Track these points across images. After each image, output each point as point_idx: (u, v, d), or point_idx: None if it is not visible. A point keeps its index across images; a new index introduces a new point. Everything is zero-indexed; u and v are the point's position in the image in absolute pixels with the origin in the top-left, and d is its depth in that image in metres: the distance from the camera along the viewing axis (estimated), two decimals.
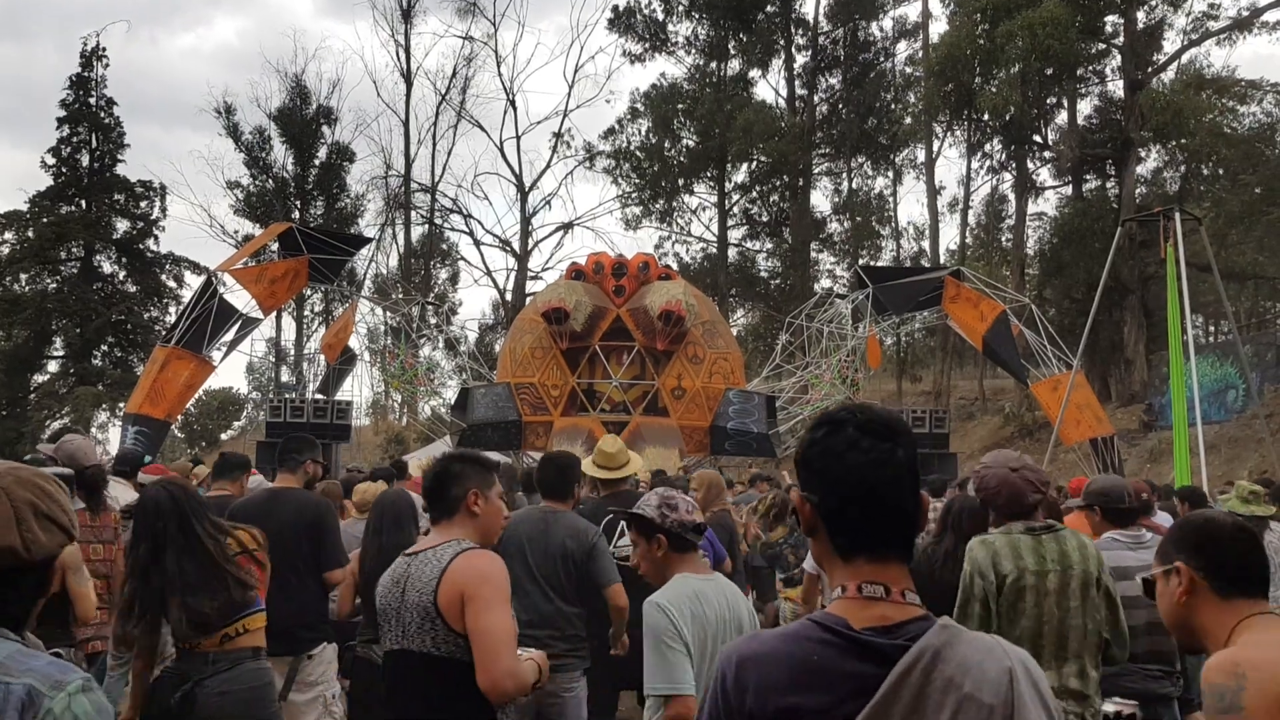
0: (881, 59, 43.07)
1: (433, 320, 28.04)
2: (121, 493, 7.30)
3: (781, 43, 42.91)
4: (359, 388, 67.85)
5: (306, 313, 43.79)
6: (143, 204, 40.48)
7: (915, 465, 1.61)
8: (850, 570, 1.58)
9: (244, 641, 3.84)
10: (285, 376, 42.80)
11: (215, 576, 3.72)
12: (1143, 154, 31.95)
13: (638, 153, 43.36)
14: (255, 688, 3.83)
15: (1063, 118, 34.20)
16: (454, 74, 44.24)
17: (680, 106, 42.60)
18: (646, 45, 43.69)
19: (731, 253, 43.81)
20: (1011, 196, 38.70)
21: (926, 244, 43.98)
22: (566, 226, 45.02)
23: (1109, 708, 3.47)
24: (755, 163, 42.01)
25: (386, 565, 3.24)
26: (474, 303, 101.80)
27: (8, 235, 38.43)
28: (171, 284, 41.09)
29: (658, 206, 44.04)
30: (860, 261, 37.22)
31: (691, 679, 2.93)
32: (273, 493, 5.25)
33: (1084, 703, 3.56)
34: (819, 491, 1.61)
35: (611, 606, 4.85)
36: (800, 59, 43.36)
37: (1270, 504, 7.24)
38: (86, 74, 39.92)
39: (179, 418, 24.77)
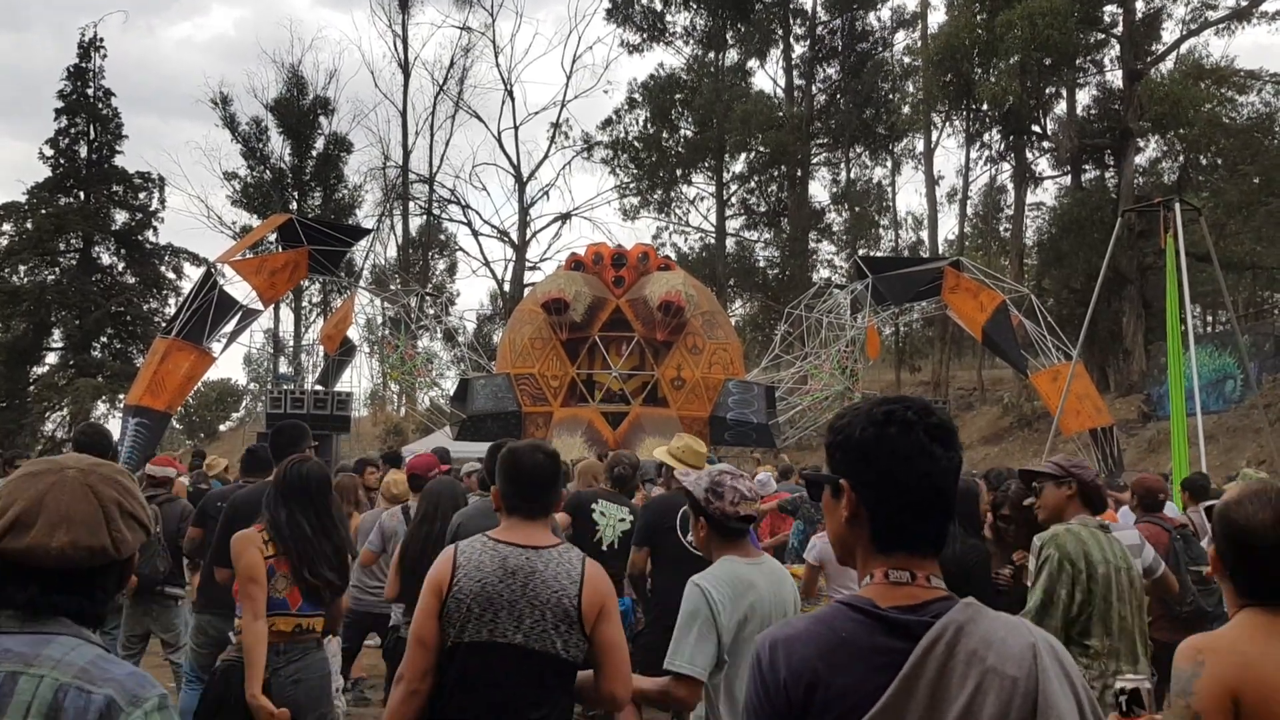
0: (880, 49, 43.00)
1: (431, 311, 27.99)
2: None
3: (779, 33, 42.83)
4: (358, 379, 67.93)
5: (305, 304, 43.75)
6: (141, 195, 40.39)
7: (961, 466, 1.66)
8: (886, 560, 1.61)
9: (312, 634, 3.95)
10: (284, 368, 42.73)
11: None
12: (1141, 144, 31.95)
13: (636, 143, 43.31)
14: (324, 675, 3.97)
15: (1061, 108, 34.20)
16: (451, 64, 44.20)
17: (678, 97, 42.54)
18: (644, 35, 43.62)
19: (730, 243, 43.81)
20: (1010, 186, 38.72)
21: (925, 234, 43.98)
22: (564, 217, 45.05)
23: (1120, 684, 3.50)
24: (753, 153, 41.99)
25: (432, 554, 3.20)
26: (472, 293, 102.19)
27: (6, 227, 38.36)
28: (171, 275, 41.03)
29: (656, 197, 44.03)
30: (859, 252, 37.21)
31: (708, 667, 2.96)
32: None
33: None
34: (873, 486, 1.61)
35: None
36: (798, 49, 43.32)
37: None
38: (84, 65, 39.78)
39: (178, 409, 24.77)
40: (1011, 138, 34.32)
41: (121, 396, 25.70)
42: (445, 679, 2.91)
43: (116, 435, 18.06)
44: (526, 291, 34.37)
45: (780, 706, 1.54)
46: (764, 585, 3.12)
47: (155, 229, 40.77)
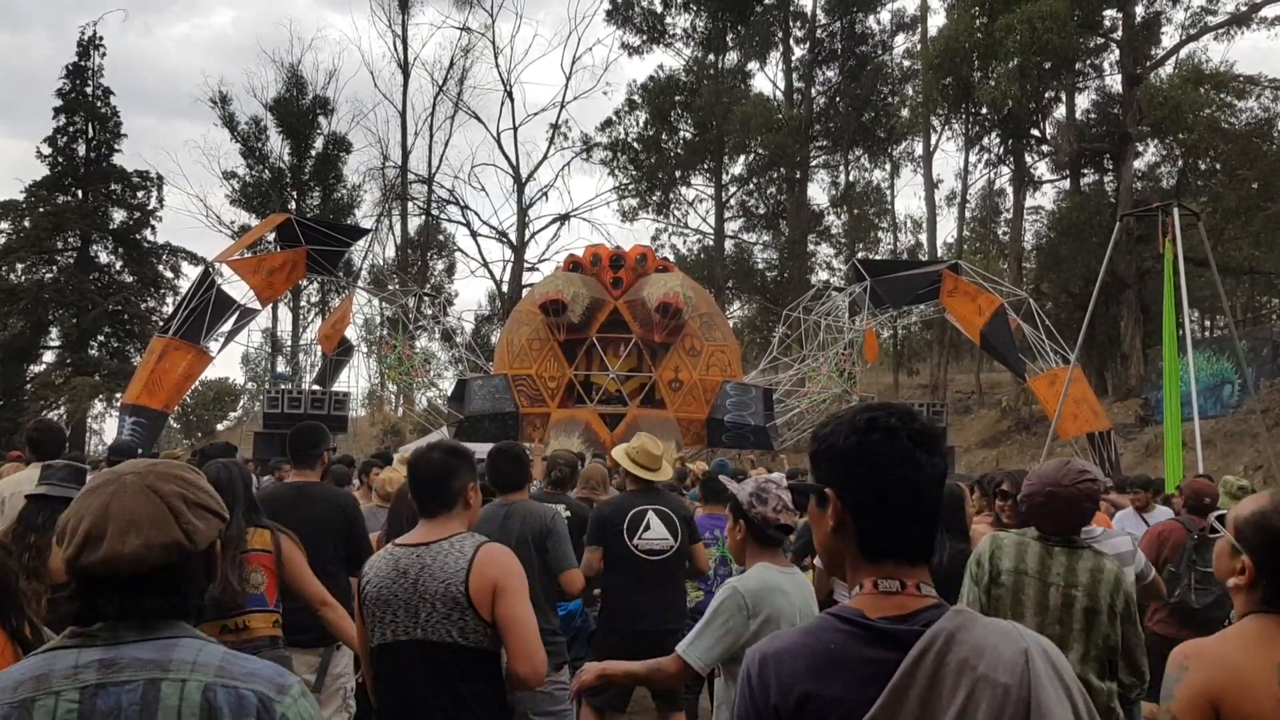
0: (879, 52, 43.03)
1: (429, 311, 27.98)
2: None
3: (779, 35, 42.86)
4: (355, 379, 67.80)
5: (303, 303, 43.72)
6: (139, 194, 40.37)
7: (945, 472, 1.64)
8: (875, 568, 1.60)
9: (258, 633, 3.90)
10: (281, 367, 42.71)
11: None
12: (1140, 148, 31.96)
13: (635, 144, 43.32)
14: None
15: (1061, 112, 34.20)
16: (451, 65, 44.20)
17: (678, 98, 42.54)
18: (644, 37, 43.63)
19: (729, 245, 43.82)
20: (1009, 190, 38.71)
21: (924, 237, 43.99)
22: (563, 218, 45.03)
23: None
24: (753, 155, 42.01)
25: None
26: (470, 294, 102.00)
27: (4, 225, 38.32)
28: (168, 274, 41.00)
29: (655, 198, 44.02)
30: (858, 254, 37.22)
31: (708, 662, 3.03)
32: (298, 488, 5.12)
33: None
34: (859, 494, 1.61)
35: (566, 590, 4.85)
36: (798, 51, 43.34)
37: None
38: (83, 64, 39.76)
39: (176, 408, 24.74)
40: (1010, 141, 34.34)
41: (119, 395, 25.65)
42: (376, 680, 3.12)
43: (113, 433, 18.08)
44: (525, 292, 34.35)
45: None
46: (794, 593, 3.14)
47: (153, 228, 40.77)
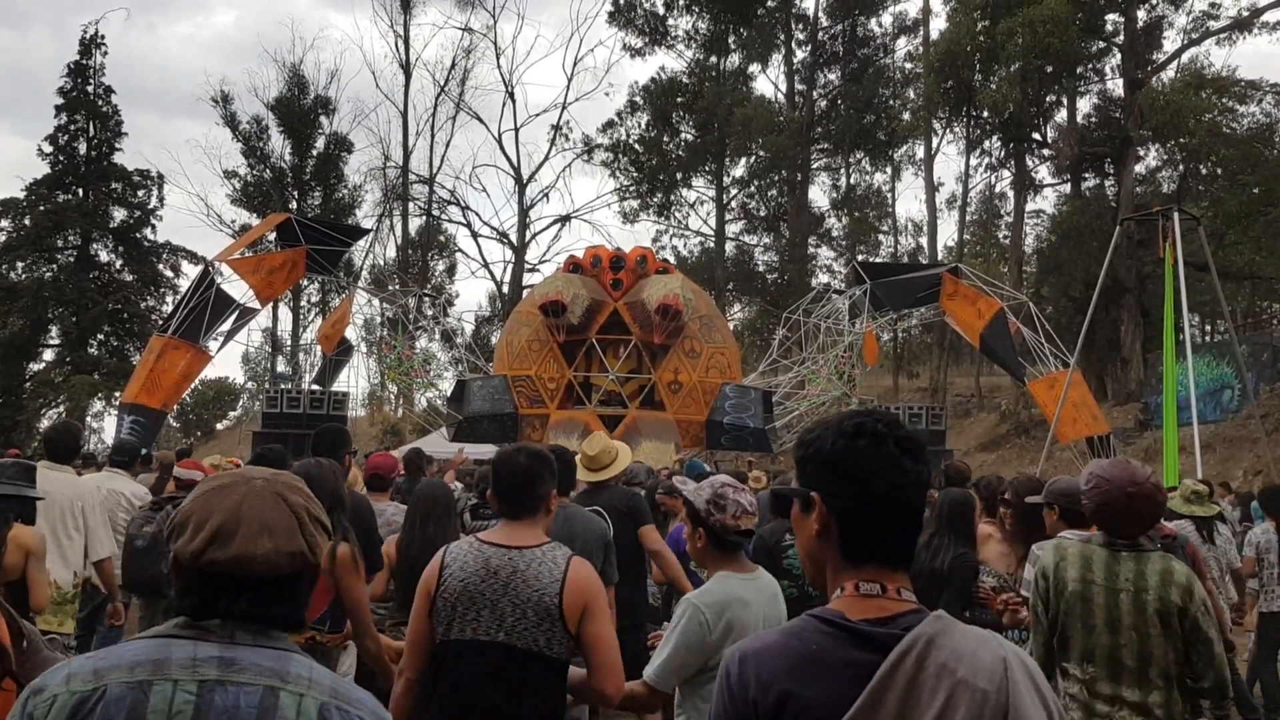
0: (881, 55, 43.03)
1: (429, 312, 27.97)
2: (123, 484, 7.27)
3: (781, 38, 42.86)
4: (355, 379, 67.83)
5: (303, 303, 43.73)
6: (140, 193, 40.41)
7: (930, 479, 1.65)
8: (856, 572, 1.61)
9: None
10: (281, 367, 42.73)
11: None
12: (1141, 153, 31.96)
13: (636, 146, 43.33)
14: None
15: (1062, 115, 34.21)
16: (453, 65, 44.25)
17: (679, 100, 42.55)
18: (646, 39, 43.64)
19: (729, 247, 43.82)
20: (1010, 194, 38.73)
21: (924, 240, 43.97)
22: (564, 219, 45.06)
23: None
24: (754, 157, 42.01)
25: (429, 555, 3.25)
26: (471, 294, 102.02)
27: (4, 223, 38.37)
28: (168, 273, 41.06)
29: (656, 200, 44.02)
30: (858, 257, 37.20)
31: (672, 682, 3.04)
32: None
33: None
34: (844, 499, 1.62)
35: None
36: (800, 54, 43.34)
37: (1214, 504, 7.36)
38: (85, 62, 39.82)
39: (174, 407, 24.74)
40: (1012, 145, 34.36)
41: (118, 394, 25.64)
42: (438, 676, 3.04)
43: (112, 432, 18.08)
44: (525, 293, 34.35)
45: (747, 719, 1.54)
46: (756, 602, 3.10)
47: (154, 227, 40.83)
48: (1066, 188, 34.75)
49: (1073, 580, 3.39)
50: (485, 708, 2.98)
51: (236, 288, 19.00)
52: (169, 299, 38.29)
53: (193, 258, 39.82)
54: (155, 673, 1.50)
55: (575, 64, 56.18)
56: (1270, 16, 30.51)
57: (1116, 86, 32.54)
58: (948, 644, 1.46)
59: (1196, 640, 3.30)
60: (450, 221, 46.87)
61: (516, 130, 45.19)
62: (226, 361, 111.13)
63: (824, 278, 41.71)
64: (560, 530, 4.67)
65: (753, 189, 43.98)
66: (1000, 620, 4.24)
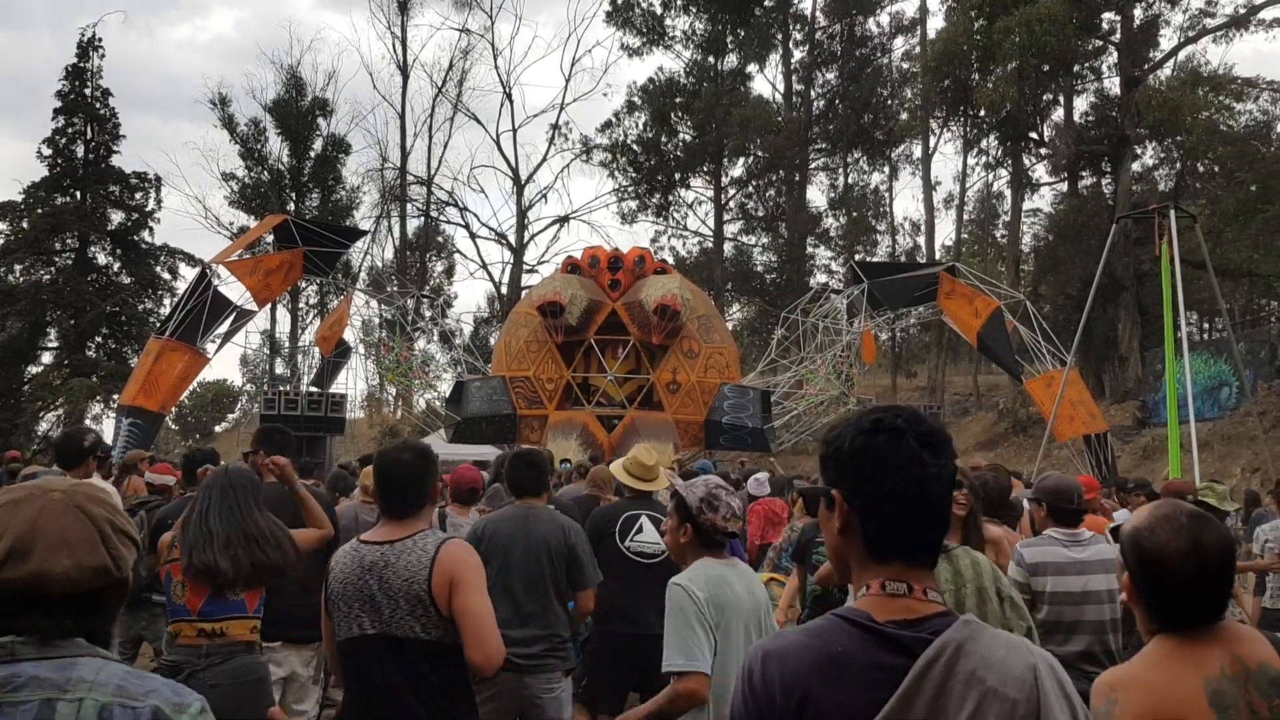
0: (878, 55, 43.10)
1: (427, 313, 28.00)
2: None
3: (779, 38, 42.89)
4: (353, 380, 67.79)
5: (301, 305, 43.70)
6: (138, 195, 40.31)
7: (955, 475, 1.63)
8: (881, 570, 1.58)
9: (235, 638, 3.88)
10: (280, 369, 42.70)
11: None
12: (1138, 151, 31.99)
13: (634, 146, 43.31)
14: (248, 682, 3.88)
15: (1059, 114, 34.28)
16: (450, 66, 44.25)
17: (677, 100, 42.56)
18: (644, 39, 43.64)
19: (727, 247, 43.84)
20: (1007, 193, 38.78)
21: (922, 239, 44.04)
22: (562, 220, 45.04)
23: None
24: (752, 157, 42.02)
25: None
26: (469, 296, 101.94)
27: (2, 226, 38.25)
28: (166, 276, 40.92)
29: (654, 201, 44.02)
30: (856, 257, 37.23)
31: (708, 658, 3.00)
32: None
33: None
34: (865, 495, 1.59)
35: (577, 609, 4.88)
36: (798, 54, 43.41)
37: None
38: (83, 65, 39.73)
39: (173, 410, 24.73)
40: (1009, 144, 34.38)
41: (116, 397, 25.63)
42: (342, 674, 3.22)
43: (110, 434, 18.06)
44: (523, 294, 34.35)
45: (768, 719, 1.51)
46: (738, 584, 3.17)
47: (151, 229, 40.68)
48: (1063, 186, 34.79)
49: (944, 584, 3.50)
50: (381, 700, 3.07)
51: (234, 290, 18.99)
52: (167, 301, 38.20)
53: (190, 260, 39.71)
54: None
55: (573, 64, 56.23)
56: (1267, 14, 30.56)
57: (1113, 85, 32.61)
58: (977, 650, 1.44)
59: (1016, 614, 3.53)
60: (448, 223, 46.89)
61: (514, 131, 45.12)
62: (224, 364, 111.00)
63: (822, 277, 41.80)
64: (516, 530, 4.71)
65: (751, 189, 44.01)
66: None
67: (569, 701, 4.69)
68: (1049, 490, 4.34)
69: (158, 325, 24.21)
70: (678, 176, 43.46)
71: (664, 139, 43.07)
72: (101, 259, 40.25)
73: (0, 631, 1.53)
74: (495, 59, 46.82)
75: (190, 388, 25.25)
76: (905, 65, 41.94)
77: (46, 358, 39.38)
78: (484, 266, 45.31)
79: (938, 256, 39.16)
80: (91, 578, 1.56)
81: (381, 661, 3.08)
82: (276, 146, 43.51)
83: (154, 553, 6.56)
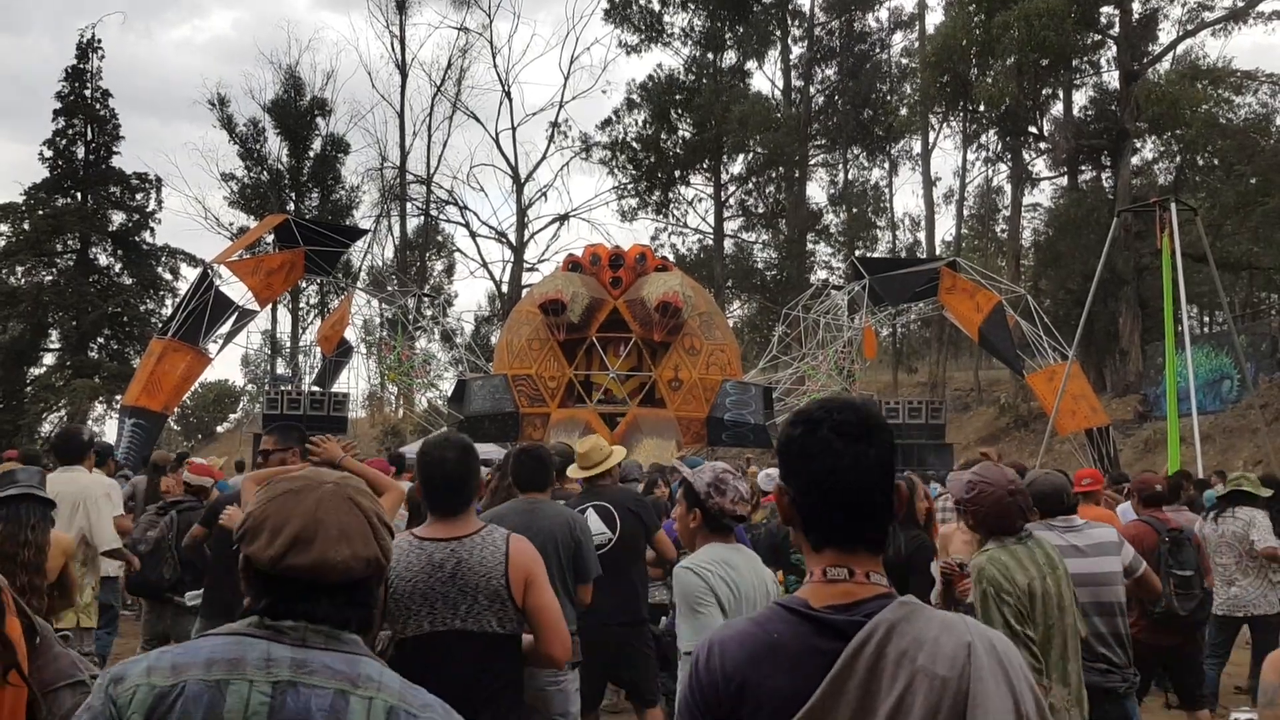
0: (877, 50, 43.06)
1: (429, 312, 28.04)
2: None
3: (778, 34, 42.86)
4: (355, 380, 67.83)
5: (302, 305, 43.70)
6: (138, 196, 40.39)
7: (889, 462, 1.64)
8: (819, 559, 1.63)
9: None
10: (281, 369, 42.71)
11: None
12: (1138, 145, 31.98)
13: (634, 144, 43.26)
14: None
15: (1058, 109, 34.23)
16: (449, 65, 44.16)
17: (677, 98, 42.53)
18: (643, 36, 43.58)
19: (728, 244, 43.81)
20: (1007, 187, 38.74)
21: (922, 235, 44.01)
22: (562, 218, 45.00)
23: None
24: (751, 154, 41.99)
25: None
26: (470, 294, 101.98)
27: (3, 228, 38.32)
28: (167, 276, 41.01)
29: (654, 198, 43.99)
30: (856, 253, 37.24)
31: None
32: None
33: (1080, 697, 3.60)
34: (794, 487, 1.66)
35: (576, 601, 4.90)
36: (796, 50, 43.36)
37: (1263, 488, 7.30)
38: (82, 66, 39.78)
39: (175, 410, 24.76)
40: (1008, 139, 34.38)
41: (118, 397, 25.68)
42: (403, 670, 3.08)
43: (113, 435, 18.10)
44: (524, 292, 34.35)
45: (711, 706, 1.56)
46: (744, 566, 3.24)
47: (152, 230, 40.79)
48: (1063, 180, 34.77)
49: (1024, 579, 3.54)
50: (450, 689, 3.05)
51: (235, 290, 19.04)
52: (168, 302, 38.27)
53: (191, 260, 39.77)
54: (231, 672, 1.51)
55: (572, 62, 56.05)
56: (1265, 6, 30.54)
57: (1112, 79, 32.59)
58: (910, 630, 1.46)
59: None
60: (448, 221, 46.83)
61: (514, 129, 45.03)
62: (226, 364, 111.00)
63: (822, 273, 41.78)
64: (521, 524, 4.70)
65: (750, 186, 43.98)
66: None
67: (576, 694, 4.71)
68: (1038, 498, 4.29)
69: (160, 326, 24.25)
70: (677, 174, 43.44)
71: (663, 136, 43.02)
72: (103, 260, 40.34)
73: (283, 614, 1.58)
74: (494, 57, 46.63)
75: (192, 388, 25.28)
76: (904, 61, 41.92)
77: (49, 359, 39.46)
78: (484, 265, 45.30)
79: (938, 252, 39.14)
80: (364, 568, 1.61)
81: (454, 657, 3.13)
82: (276, 146, 43.53)
83: (175, 554, 6.60)
